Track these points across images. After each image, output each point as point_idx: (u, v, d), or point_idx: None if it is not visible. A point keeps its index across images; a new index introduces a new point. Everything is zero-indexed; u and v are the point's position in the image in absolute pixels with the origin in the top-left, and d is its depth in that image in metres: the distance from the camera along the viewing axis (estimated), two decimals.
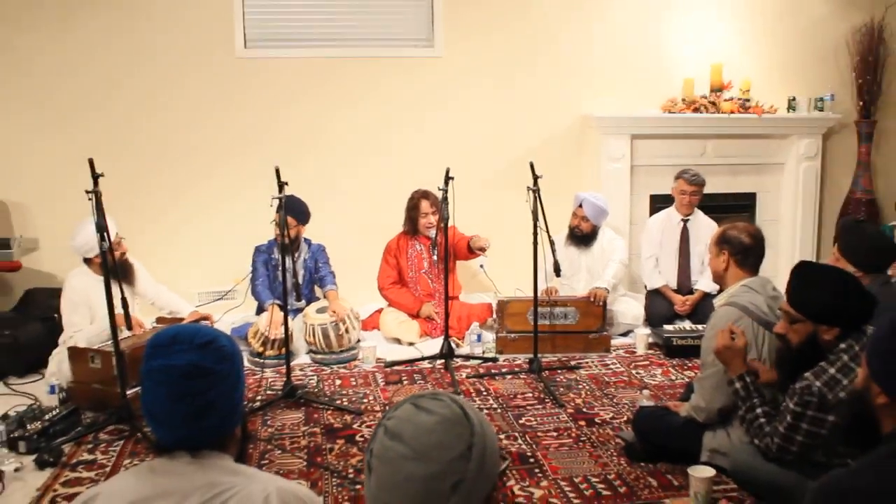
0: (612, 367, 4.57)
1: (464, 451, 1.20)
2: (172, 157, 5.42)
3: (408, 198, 5.13)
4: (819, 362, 2.67)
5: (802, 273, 2.75)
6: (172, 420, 1.46)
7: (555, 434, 3.59)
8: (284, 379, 4.09)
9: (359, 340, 4.87)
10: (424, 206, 5.02)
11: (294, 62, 5.47)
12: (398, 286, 5.19)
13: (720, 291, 3.39)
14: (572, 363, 4.60)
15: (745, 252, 3.20)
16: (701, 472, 2.87)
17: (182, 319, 4.41)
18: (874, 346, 1.51)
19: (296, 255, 4.88)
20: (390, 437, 1.22)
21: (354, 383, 4.32)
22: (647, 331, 4.93)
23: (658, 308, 5.17)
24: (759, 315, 3.03)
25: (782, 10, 6.03)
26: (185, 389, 1.45)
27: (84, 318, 4.21)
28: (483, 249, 4.96)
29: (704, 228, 5.28)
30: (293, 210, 4.67)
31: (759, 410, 2.82)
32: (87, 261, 4.24)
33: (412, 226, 5.12)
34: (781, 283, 2.95)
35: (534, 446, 3.46)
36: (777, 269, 5.84)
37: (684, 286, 5.31)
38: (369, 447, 1.26)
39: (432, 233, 4.98)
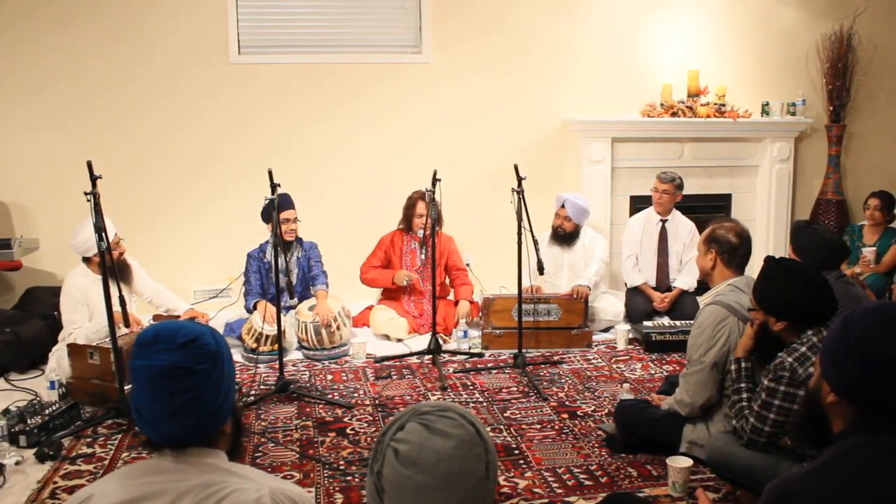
0: (593, 361, 4.65)
1: (484, 472, 1.20)
2: (169, 159, 5.48)
3: (406, 197, 5.24)
4: (770, 348, 2.80)
5: (765, 267, 2.88)
6: (156, 417, 1.44)
7: (538, 426, 3.65)
8: (277, 374, 4.15)
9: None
10: (420, 207, 5.12)
11: (286, 68, 5.54)
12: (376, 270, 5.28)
13: (699, 288, 3.45)
14: (555, 358, 4.68)
15: (732, 252, 3.25)
16: (679, 462, 2.93)
17: (178, 317, 4.44)
18: (825, 345, 1.53)
19: (289, 253, 4.93)
20: (406, 464, 1.17)
21: (345, 378, 4.38)
22: (628, 327, 5.00)
23: (638, 305, 5.28)
24: (744, 314, 3.05)
25: (756, 18, 6.16)
26: (165, 389, 1.41)
27: (83, 316, 4.24)
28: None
29: (682, 228, 5.42)
30: (290, 203, 4.79)
31: (744, 395, 2.90)
32: (87, 260, 4.28)
33: (408, 224, 5.24)
34: None
35: (518, 438, 3.51)
36: (752, 268, 5.98)
37: (663, 284, 5.42)
38: (376, 469, 1.22)
39: (421, 233, 5.10)
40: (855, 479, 1.38)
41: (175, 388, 1.42)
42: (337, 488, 3.07)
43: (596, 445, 3.44)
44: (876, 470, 1.38)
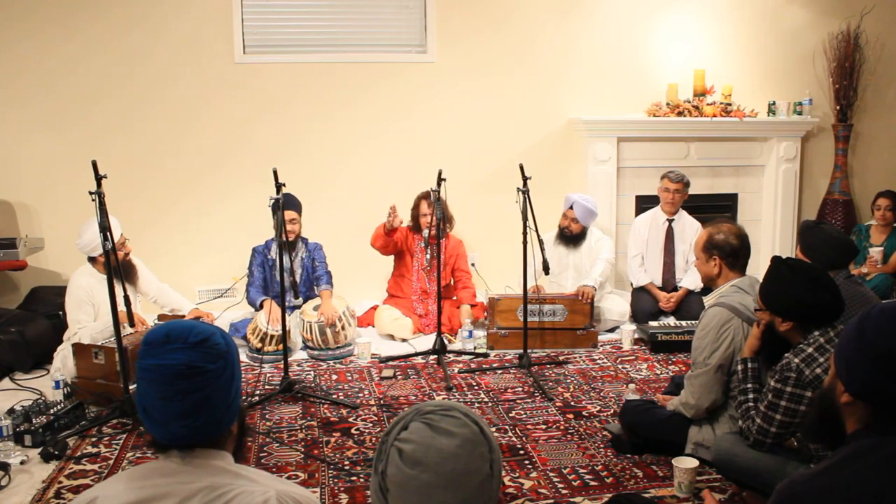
0: (598, 361, 4.64)
1: (488, 470, 1.21)
2: (174, 158, 5.49)
3: (411, 198, 5.25)
4: (776, 348, 2.78)
5: (771, 267, 2.85)
6: (166, 418, 1.42)
7: (544, 427, 3.64)
8: (282, 374, 4.15)
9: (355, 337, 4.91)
10: (423, 206, 5.14)
11: (291, 67, 5.54)
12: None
13: (705, 288, 3.43)
14: (561, 358, 4.67)
15: (735, 254, 3.22)
16: (685, 463, 2.92)
17: (183, 317, 4.44)
18: (840, 345, 1.51)
19: (293, 253, 4.93)
20: (410, 464, 1.17)
21: (350, 378, 4.38)
22: (633, 327, 4.99)
23: (643, 305, 5.27)
24: (748, 315, 3.04)
25: (762, 17, 6.15)
26: (177, 389, 1.39)
27: (88, 316, 4.25)
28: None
29: (689, 228, 5.41)
30: (292, 204, 4.78)
31: (751, 395, 2.88)
32: (92, 259, 4.28)
33: (415, 224, 5.26)
34: None
35: (523, 438, 3.50)
36: (758, 269, 5.94)
37: (669, 284, 5.42)
38: (380, 469, 1.21)
39: (426, 232, 5.10)
40: (867, 479, 1.37)
41: (187, 387, 1.40)
42: (342, 488, 3.06)
43: (601, 446, 3.43)
44: (888, 470, 1.37)
